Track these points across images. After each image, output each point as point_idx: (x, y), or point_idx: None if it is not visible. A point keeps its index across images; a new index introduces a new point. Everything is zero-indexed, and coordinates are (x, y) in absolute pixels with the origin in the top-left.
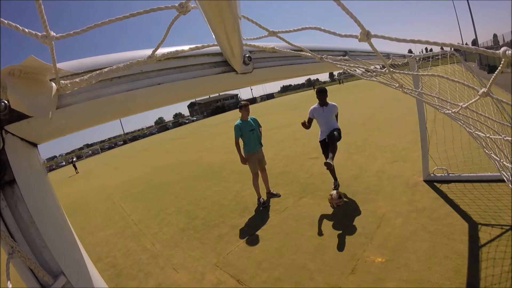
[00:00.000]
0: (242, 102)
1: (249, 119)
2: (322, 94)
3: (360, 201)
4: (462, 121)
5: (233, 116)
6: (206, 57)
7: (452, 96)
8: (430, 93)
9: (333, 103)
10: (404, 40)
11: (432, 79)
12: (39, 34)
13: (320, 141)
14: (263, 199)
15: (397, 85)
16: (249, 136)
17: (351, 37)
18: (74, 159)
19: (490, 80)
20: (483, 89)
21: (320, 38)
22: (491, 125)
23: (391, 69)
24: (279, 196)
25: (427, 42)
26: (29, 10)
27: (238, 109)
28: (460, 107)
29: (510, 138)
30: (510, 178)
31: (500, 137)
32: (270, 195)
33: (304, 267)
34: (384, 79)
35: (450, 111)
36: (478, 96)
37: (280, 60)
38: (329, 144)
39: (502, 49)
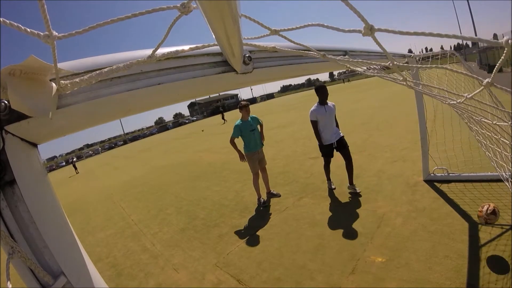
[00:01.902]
0: (242, 103)
1: (249, 119)
2: (323, 91)
3: (360, 201)
4: (465, 113)
5: (234, 116)
6: (206, 57)
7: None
8: (433, 86)
9: (331, 102)
10: (408, 33)
11: (431, 77)
12: (41, 33)
13: (325, 145)
14: (263, 199)
15: (401, 78)
16: (249, 136)
17: (355, 32)
18: (74, 159)
19: (494, 70)
20: (487, 79)
21: (324, 40)
22: (494, 116)
23: (396, 63)
24: (279, 196)
25: (431, 34)
26: (29, 9)
27: (238, 109)
28: (465, 98)
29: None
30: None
31: (507, 123)
32: (270, 195)
33: (304, 267)
34: (389, 72)
35: (455, 101)
36: (483, 87)
37: (280, 60)
38: (347, 161)
39: (505, 38)
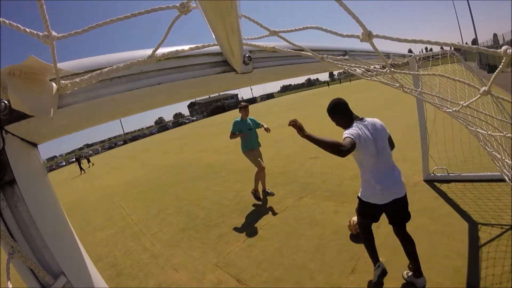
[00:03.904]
0: (242, 104)
1: (248, 120)
2: None
3: None
4: (463, 119)
5: (234, 116)
6: (206, 57)
7: (453, 95)
8: (431, 92)
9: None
10: (406, 40)
11: (432, 78)
12: (41, 34)
13: (371, 204)
14: (257, 192)
15: (398, 85)
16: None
17: (353, 37)
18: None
19: (491, 79)
20: (484, 88)
21: (321, 39)
22: (491, 123)
23: (392, 69)
24: (273, 194)
25: (428, 42)
26: (29, 10)
27: (238, 110)
28: (460, 106)
29: (510, 135)
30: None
31: (502, 134)
32: (265, 193)
33: (305, 267)
34: (384, 78)
35: (451, 110)
36: (479, 95)
37: (280, 60)
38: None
39: (503, 47)
